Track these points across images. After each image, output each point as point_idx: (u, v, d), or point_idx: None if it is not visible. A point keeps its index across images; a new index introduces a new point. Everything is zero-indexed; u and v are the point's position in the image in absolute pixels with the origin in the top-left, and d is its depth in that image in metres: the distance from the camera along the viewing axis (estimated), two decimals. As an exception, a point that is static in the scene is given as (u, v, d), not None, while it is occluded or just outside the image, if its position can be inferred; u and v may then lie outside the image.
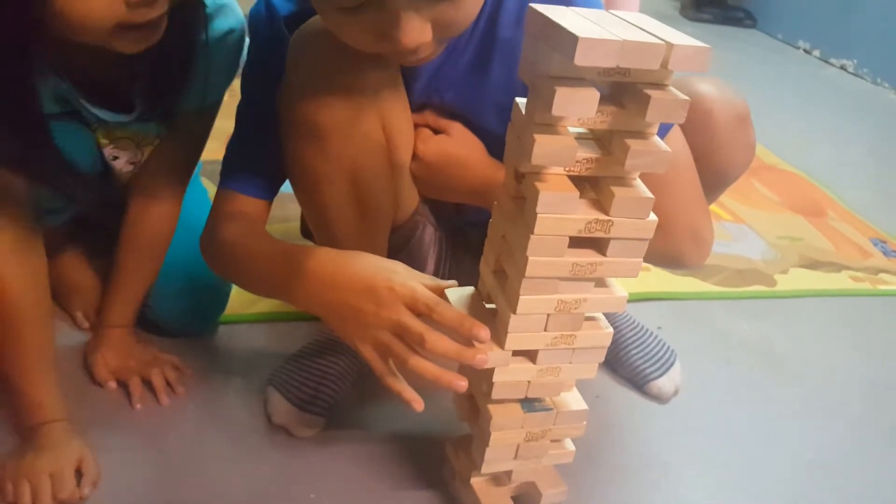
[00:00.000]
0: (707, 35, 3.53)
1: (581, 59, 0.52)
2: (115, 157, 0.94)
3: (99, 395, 0.97)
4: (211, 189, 1.13)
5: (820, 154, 2.17)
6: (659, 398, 1.08)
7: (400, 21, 0.66)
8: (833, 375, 1.21)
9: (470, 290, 0.77)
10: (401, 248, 0.97)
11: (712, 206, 1.69)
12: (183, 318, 1.05)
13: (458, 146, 0.87)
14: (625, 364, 1.10)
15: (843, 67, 3.25)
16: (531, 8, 0.59)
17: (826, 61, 3.34)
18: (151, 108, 0.89)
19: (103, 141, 0.92)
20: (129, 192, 1.00)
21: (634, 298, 1.32)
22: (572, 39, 0.52)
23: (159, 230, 1.00)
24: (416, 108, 0.87)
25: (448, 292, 0.75)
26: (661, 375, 1.09)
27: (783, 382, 1.17)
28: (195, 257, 0.91)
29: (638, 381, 1.09)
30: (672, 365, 1.10)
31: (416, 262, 0.96)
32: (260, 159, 0.87)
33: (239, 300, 1.12)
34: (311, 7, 0.73)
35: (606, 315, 0.74)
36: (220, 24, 0.90)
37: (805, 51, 3.46)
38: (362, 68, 0.77)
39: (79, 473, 0.83)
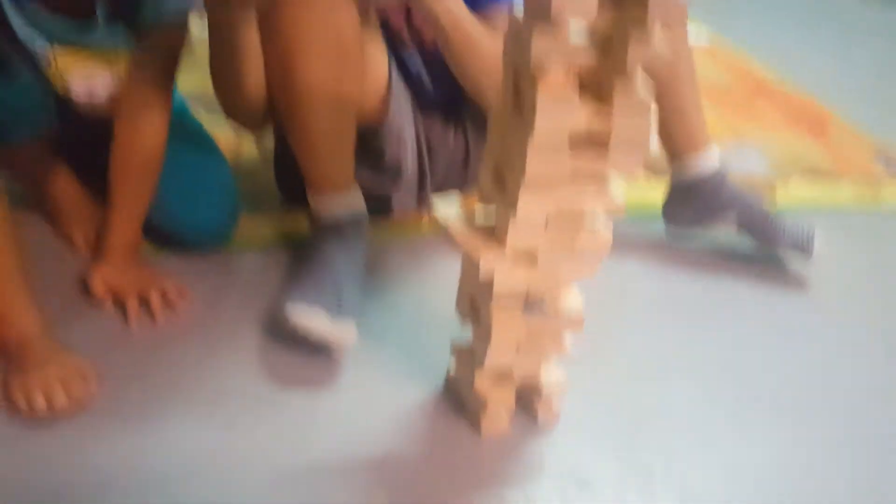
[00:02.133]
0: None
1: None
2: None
3: (98, 320, 0.98)
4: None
5: (824, 71, 2.15)
6: (819, 257, 1.18)
7: None
8: (833, 287, 1.23)
9: (455, 208, 0.78)
10: (384, 140, 1.02)
11: (713, 125, 1.70)
12: (199, 227, 1.07)
13: None
14: (784, 234, 1.18)
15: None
16: None
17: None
18: (113, 14, 0.89)
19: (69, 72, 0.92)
20: (115, 116, 1.00)
21: (634, 212, 1.33)
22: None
23: (150, 148, 1.00)
24: None
25: (438, 205, 0.77)
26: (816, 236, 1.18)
27: (784, 293, 1.20)
28: (208, 167, 0.94)
29: (803, 244, 1.18)
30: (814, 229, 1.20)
31: (392, 157, 1.04)
32: None
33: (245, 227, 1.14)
34: None
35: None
36: None
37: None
38: None
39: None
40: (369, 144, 1.04)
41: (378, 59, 1.02)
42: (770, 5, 2.77)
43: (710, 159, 1.18)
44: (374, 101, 1.02)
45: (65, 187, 1.13)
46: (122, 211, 1.01)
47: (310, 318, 0.90)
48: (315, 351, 0.93)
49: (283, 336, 0.94)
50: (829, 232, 1.39)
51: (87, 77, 0.97)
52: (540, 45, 0.59)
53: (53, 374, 0.83)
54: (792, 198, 1.46)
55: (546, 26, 0.60)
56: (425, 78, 1.12)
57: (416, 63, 1.10)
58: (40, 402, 0.81)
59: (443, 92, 1.13)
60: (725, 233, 1.23)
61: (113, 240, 1.01)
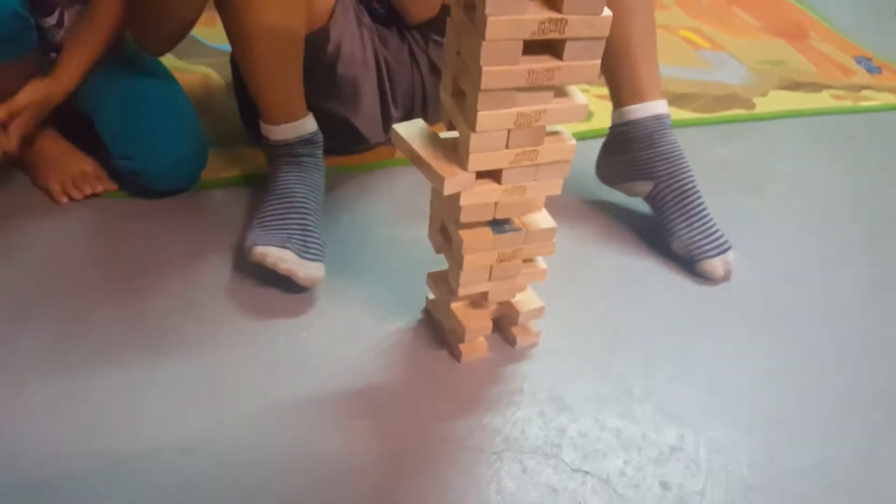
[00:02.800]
0: None
1: None
2: None
3: (77, 264, 0.98)
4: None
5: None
6: (710, 277, 1.01)
7: None
8: (814, 193, 1.21)
9: (419, 122, 0.75)
10: (335, 56, 1.00)
11: (688, 34, 1.64)
12: (170, 171, 1.05)
13: None
14: (680, 236, 1.01)
15: None
16: None
17: None
18: None
19: None
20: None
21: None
22: None
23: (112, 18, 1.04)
24: None
25: (397, 126, 0.74)
26: (716, 255, 1.00)
27: (764, 202, 1.18)
28: (177, 113, 0.97)
29: (692, 256, 1.01)
30: (728, 249, 1.01)
31: (353, 62, 1.03)
32: None
33: (213, 166, 1.12)
34: None
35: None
36: None
37: None
38: None
39: None
40: (322, 64, 1.01)
41: None
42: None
43: (651, 109, 1.02)
44: (320, 12, 0.99)
45: (44, 137, 1.09)
46: (77, 54, 1.04)
47: (279, 257, 0.89)
48: (288, 287, 0.92)
49: (256, 274, 0.93)
50: (809, 137, 1.37)
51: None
52: (483, -59, 0.56)
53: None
54: (770, 106, 1.44)
55: (488, -80, 0.57)
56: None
57: None
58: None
59: (390, 13, 1.09)
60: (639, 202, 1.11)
61: (60, 73, 1.03)
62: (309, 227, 0.95)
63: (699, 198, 1.02)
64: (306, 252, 0.92)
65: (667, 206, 1.02)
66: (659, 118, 1.01)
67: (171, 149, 1.04)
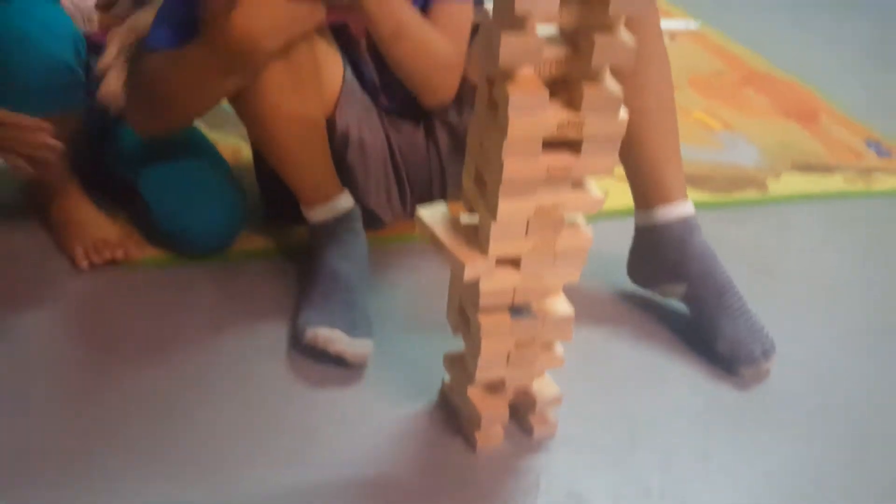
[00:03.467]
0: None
1: (539, -49, 0.52)
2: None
3: (111, 324, 1.01)
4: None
5: (813, 57, 2.14)
6: (753, 380, 0.98)
7: None
8: (827, 278, 1.22)
9: (442, 206, 0.78)
10: (345, 144, 1.05)
11: (702, 116, 1.69)
12: (200, 227, 1.09)
13: None
14: (725, 336, 0.98)
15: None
16: None
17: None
18: None
19: None
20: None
21: (627, 211, 1.32)
22: (529, -68, 0.52)
23: None
24: None
25: (421, 211, 0.77)
26: (762, 357, 0.97)
27: (776, 287, 1.18)
28: (213, 173, 1.03)
29: (739, 358, 0.97)
30: (773, 350, 0.98)
31: (365, 150, 1.07)
32: (187, 22, 0.92)
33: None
34: None
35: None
36: None
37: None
38: None
39: None
40: (332, 151, 1.05)
41: (331, 64, 1.03)
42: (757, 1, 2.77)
43: (678, 211, 1.01)
44: (328, 105, 1.04)
45: (70, 199, 1.13)
46: None
47: (329, 338, 0.93)
48: (336, 365, 0.94)
49: (304, 353, 0.96)
50: (821, 221, 1.38)
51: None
52: (508, 47, 0.59)
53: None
54: (783, 189, 1.46)
55: (513, 29, 0.60)
56: (379, 86, 1.12)
57: (371, 71, 1.10)
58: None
59: (404, 101, 1.12)
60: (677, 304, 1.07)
61: None
62: (356, 304, 0.98)
63: (738, 293, 1.00)
64: (354, 329, 0.95)
65: (705, 306, 1.00)
66: (686, 221, 1.01)
67: (211, 211, 1.10)
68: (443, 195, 1.21)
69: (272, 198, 1.18)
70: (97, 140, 1.18)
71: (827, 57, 2.17)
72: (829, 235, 1.34)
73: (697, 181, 1.42)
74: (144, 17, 1.06)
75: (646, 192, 1.02)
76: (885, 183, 1.52)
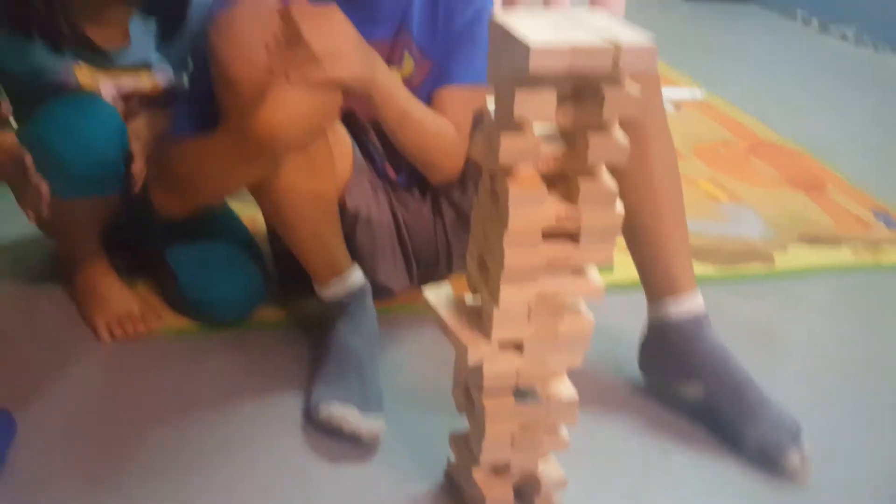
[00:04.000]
0: (704, 14, 3.53)
1: (535, 66, 0.55)
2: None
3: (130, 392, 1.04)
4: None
5: (820, 127, 2.17)
6: (793, 472, 0.93)
7: None
8: (835, 353, 1.21)
9: (447, 288, 0.80)
10: (355, 219, 1.08)
11: (707, 187, 1.70)
12: (223, 298, 1.15)
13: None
14: (750, 436, 0.95)
15: (843, 36, 3.23)
16: (492, 21, 0.62)
17: (825, 30, 3.32)
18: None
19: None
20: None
21: (631, 285, 1.34)
22: (525, 49, 0.55)
23: None
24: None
25: (427, 291, 0.79)
26: (793, 444, 0.93)
27: (784, 363, 1.18)
28: (237, 248, 1.12)
29: (771, 456, 0.94)
30: (800, 431, 0.95)
31: (372, 228, 1.10)
32: (205, 110, 0.97)
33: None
34: None
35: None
36: None
37: (803, 20, 3.44)
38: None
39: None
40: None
41: (342, 147, 1.07)
42: (764, 64, 2.82)
43: (688, 306, 1.00)
44: (339, 186, 1.08)
45: (98, 273, 1.17)
46: None
47: (343, 415, 0.95)
48: (348, 442, 0.95)
49: (317, 428, 0.98)
50: (829, 295, 1.38)
51: (115, 80, 1.10)
52: (507, 147, 0.62)
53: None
54: (790, 262, 1.47)
55: (512, 130, 0.63)
56: (386, 163, 1.17)
57: (378, 151, 1.14)
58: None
59: (410, 177, 1.17)
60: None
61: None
62: (367, 379, 1.00)
63: (756, 387, 0.97)
64: (367, 406, 0.97)
65: (724, 406, 0.97)
66: (697, 318, 1.00)
67: (234, 284, 1.16)
68: (448, 267, 1.24)
69: (286, 272, 1.21)
70: (123, 210, 1.22)
71: (834, 126, 2.20)
72: (838, 308, 1.34)
73: (703, 254, 1.43)
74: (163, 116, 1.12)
75: (654, 282, 1.02)
76: (893, 255, 1.52)
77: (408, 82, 1.08)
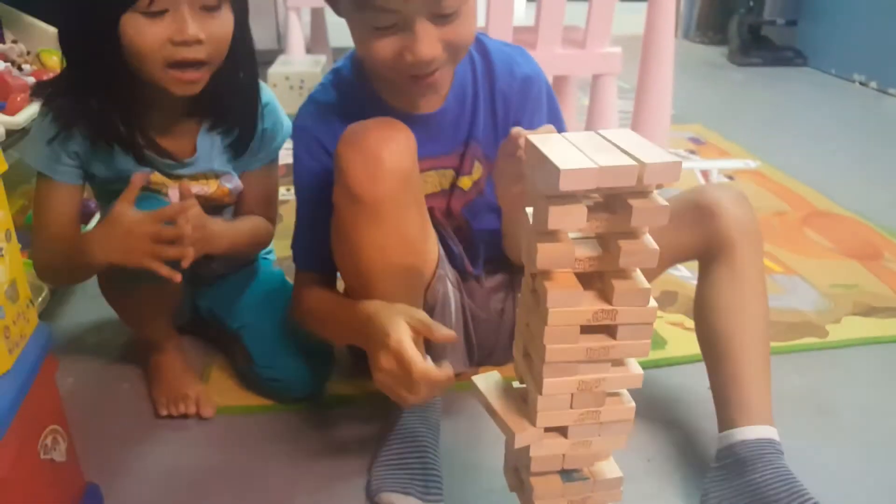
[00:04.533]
0: (757, 78, 3.56)
1: (565, 185, 0.62)
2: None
3: (189, 469, 1.11)
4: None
5: (878, 193, 2.16)
6: None
7: (418, 35, 0.91)
8: (890, 428, 1.21)
9: (495, 374, 0.86)
10: (433, 308, 1.13)
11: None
12: (294, 378, 1.24)
13: None
14: None
15: (901, 99, 3.21)
16: (528, 141, 0.69)
17: (884, 92, 3.30)
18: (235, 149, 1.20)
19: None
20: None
21: (684, 361, 1.37)
22: (556, 170, 0.62)
23: (260, 225, 1.27)
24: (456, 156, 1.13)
25: (476, 378, 0.84)
26: None
27: (837, 437, 1.19)
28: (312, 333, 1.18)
29: None
30: None
31: (444, 320, 1.15)
32: (320, 244, 1.07)
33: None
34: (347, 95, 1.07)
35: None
36: (266, 96, 1.23)
37: (861, 83, 3.43)
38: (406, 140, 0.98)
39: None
40: None
41: (432, 236, 1.12)
42: (820, 129, 2.83)
43: (762, 432, 1.00)
44: (426, 278, 1.13)
45: (172, 354, 1.29)
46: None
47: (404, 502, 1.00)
48: None
49: None
50: (884, 366, 1.38)
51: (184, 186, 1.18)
52: (544, 254, 0.69)
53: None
54: (844, 334, 1.47)
55: (547, 237, 0.70)
56: (464, 256, 1.23)
57: (457, 244, 1.21)
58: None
59: (485, 270, 1.24)
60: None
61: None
62: (429, 466, 1.06)
63: None
64: (427, 494, 1.02)
65: None
66: (772, 442, 1.00)
67: (307, 362, 1.24)
68: (507, 355, 1.29)
69: (359, 355, 1.28)
70: (190, 289, 1.34)
71: (889, 191, 2.19)
72: (892, 382, 1.33)
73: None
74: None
75: (728, 410, 1.03)
76: (953, 325, 1.50)
77: (476, 184, 1.15)
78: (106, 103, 1.09)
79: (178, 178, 1.19)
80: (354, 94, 1.10)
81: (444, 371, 0.89)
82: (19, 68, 1.66)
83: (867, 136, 2.76)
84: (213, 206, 1.22)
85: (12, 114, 1.39)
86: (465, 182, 1.15)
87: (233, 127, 1.19)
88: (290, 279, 1.39)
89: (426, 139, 1.07)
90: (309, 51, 3.54)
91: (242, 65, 1.15)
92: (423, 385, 0.89)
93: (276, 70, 3.01)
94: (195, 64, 1.04)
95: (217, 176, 1.22)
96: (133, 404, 1.26)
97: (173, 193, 1.16)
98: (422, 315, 0.93)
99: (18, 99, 1.44)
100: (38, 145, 1.12)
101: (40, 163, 1.13)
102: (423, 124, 1.08)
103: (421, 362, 0.88)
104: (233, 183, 1.24)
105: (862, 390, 1.31)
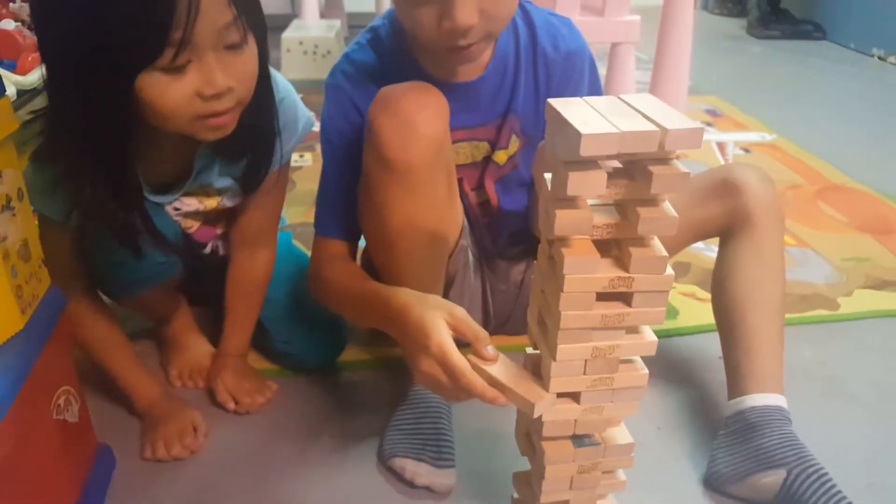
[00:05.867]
0: (776, 51, 3.52)
1: (585, 151, 0.62)
2: (189, 225, 1.14)
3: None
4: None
5: (891, 168, 2.14)
6: None
7: (456, 1, 0.88)
8: (897, 398, 1.22)
9: (505, 359, 0.85)
10: (453, 277, 1.12)
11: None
12: (309, 351, 1.25)
13: None
14: None
15: (920, 73, 3.17)
16: (548, 104, 0.69)
17: (902, 67, 3.26)
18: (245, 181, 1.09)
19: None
20: (230, 247, 1.20)
21: (695, 331, 1.37)
22: (577, 135, 0.62)
23: (259, 275, 1.20)
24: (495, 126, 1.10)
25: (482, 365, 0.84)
26: None
27: (845, 409, 1.19)
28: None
29: None
30: None
31: (462, 291, 1.14)
32: (345, 209, 1.06)
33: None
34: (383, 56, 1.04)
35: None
36: (282, 90, 1.07)
37: (879, 58, 3.38)
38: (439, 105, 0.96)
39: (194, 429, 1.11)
40: None
41: (457, 206, 1.11)
42: (837, 103, 2.79)
43: (772, 399, 1.02)
44: (451, 245, 1.12)
45: (180, 324, 1.28)
46: (237, 327, 1.21)
47: (415, 471, 1.02)
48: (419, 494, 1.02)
49: (389, 470, 1.05)
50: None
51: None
52: (562, 220, 0.68)
53: (172, 428, 1.09)
54: (855, 307, 1.47)
55: (566, 204, 0.70)
56: (486, 232, 1.22)
57: (478, 217, 1.19)
58: (161, 451, 1.07)
59: (506, 245, 1.23)
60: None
61: (230, 349, 1.21)
62: (442, 432, 1.06)
63: (837, 485, 0.94)
64: (440, 459, 1.03)
65: (807, 496, 0.93)
66: (781, 409, 1.01)
67: (322, 335, 1.25)
68: (522, 323, 1.29)
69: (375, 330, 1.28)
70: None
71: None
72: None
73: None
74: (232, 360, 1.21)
75: (739, 378, 1.04)
76: (965, 301, 1.50)
77: (511, 159, 1.14)
78: (99, 183, 0.95)
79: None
80: (392, 56, 1.06)
81: (492, 393, 0.83)
82: (30, 28, 1.66)
83: (884, 111, 2.72)
84: (215, 214, 1.14)
85: (24, 73, 1.39)
86: (501, 157, 1.13)
87: (240, 156, 1.06)
88: (297, 244, 1.40)
89: (462, 109, 1.04)
90: (323, 15, 3.50)
91: (259, 92, 0.97)
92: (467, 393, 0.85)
93: (289, 35, 2.97)
94: (224, 113, 0.91)
95: (220, 193, 1.10)
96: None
97: (169, 210, 1.09)
98: (460, 312, 0.86)
99: (30, 58, 1.44)
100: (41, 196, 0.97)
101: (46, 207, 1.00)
102: (461, 93, 1.05)
103: (469, 372, 0.82)
104: (234, 202, 1.13)
105: (872, 363, 1.31)
